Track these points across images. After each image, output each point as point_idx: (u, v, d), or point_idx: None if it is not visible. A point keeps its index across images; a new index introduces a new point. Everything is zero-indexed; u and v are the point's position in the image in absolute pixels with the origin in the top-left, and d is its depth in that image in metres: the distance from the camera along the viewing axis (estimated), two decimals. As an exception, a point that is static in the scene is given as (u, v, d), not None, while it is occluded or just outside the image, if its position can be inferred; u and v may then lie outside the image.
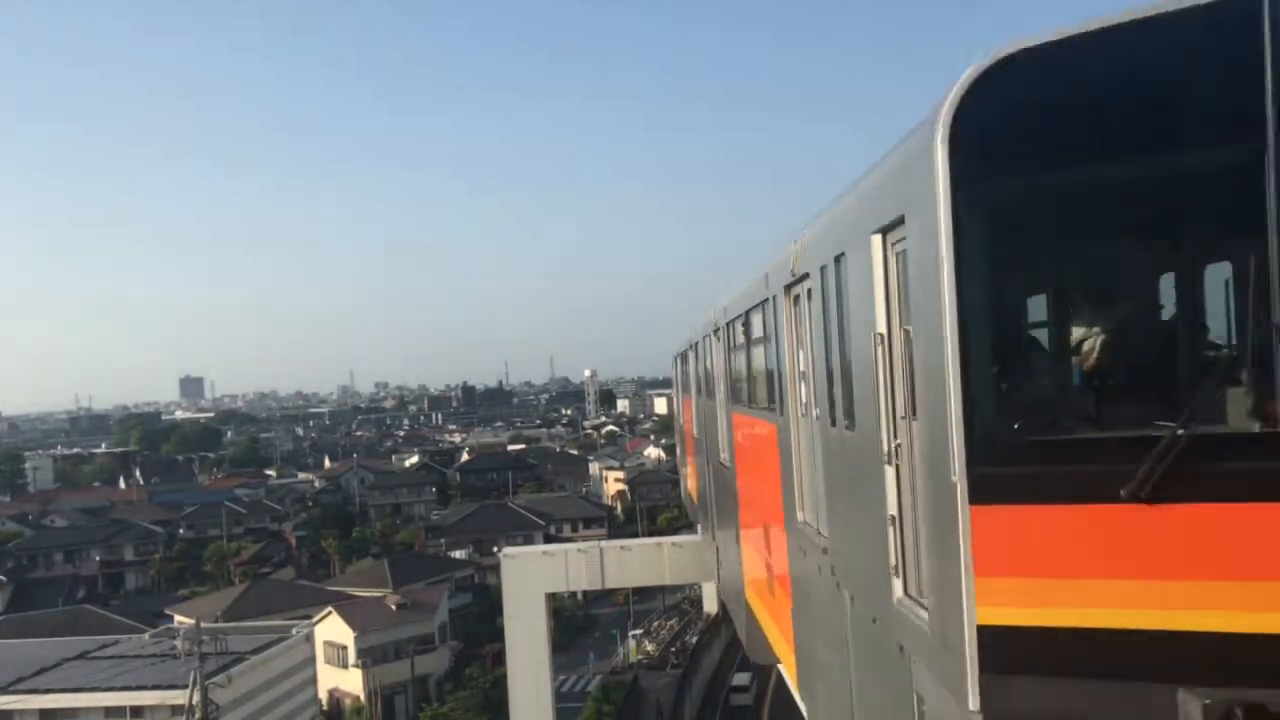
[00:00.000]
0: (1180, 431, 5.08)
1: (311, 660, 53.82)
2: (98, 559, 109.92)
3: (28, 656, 50.55)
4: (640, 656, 74.89)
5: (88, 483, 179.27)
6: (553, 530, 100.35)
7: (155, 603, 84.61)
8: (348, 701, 66.85)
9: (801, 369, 10.26)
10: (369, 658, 67.26)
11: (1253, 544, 5.03)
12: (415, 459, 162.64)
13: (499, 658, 58.99)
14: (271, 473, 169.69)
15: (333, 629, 67.76)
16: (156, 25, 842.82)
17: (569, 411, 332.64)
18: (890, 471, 7.05)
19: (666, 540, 43.25)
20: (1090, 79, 5.29)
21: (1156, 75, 5.22)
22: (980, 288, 5.50)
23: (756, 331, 13.07)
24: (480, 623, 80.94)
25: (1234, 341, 5.69)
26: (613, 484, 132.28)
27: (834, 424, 8.68)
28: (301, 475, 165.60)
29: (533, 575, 42.15)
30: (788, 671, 13.85)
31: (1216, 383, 5.33)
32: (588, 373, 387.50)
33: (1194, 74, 5.16)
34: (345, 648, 67.74)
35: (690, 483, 33.06)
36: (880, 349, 6.97)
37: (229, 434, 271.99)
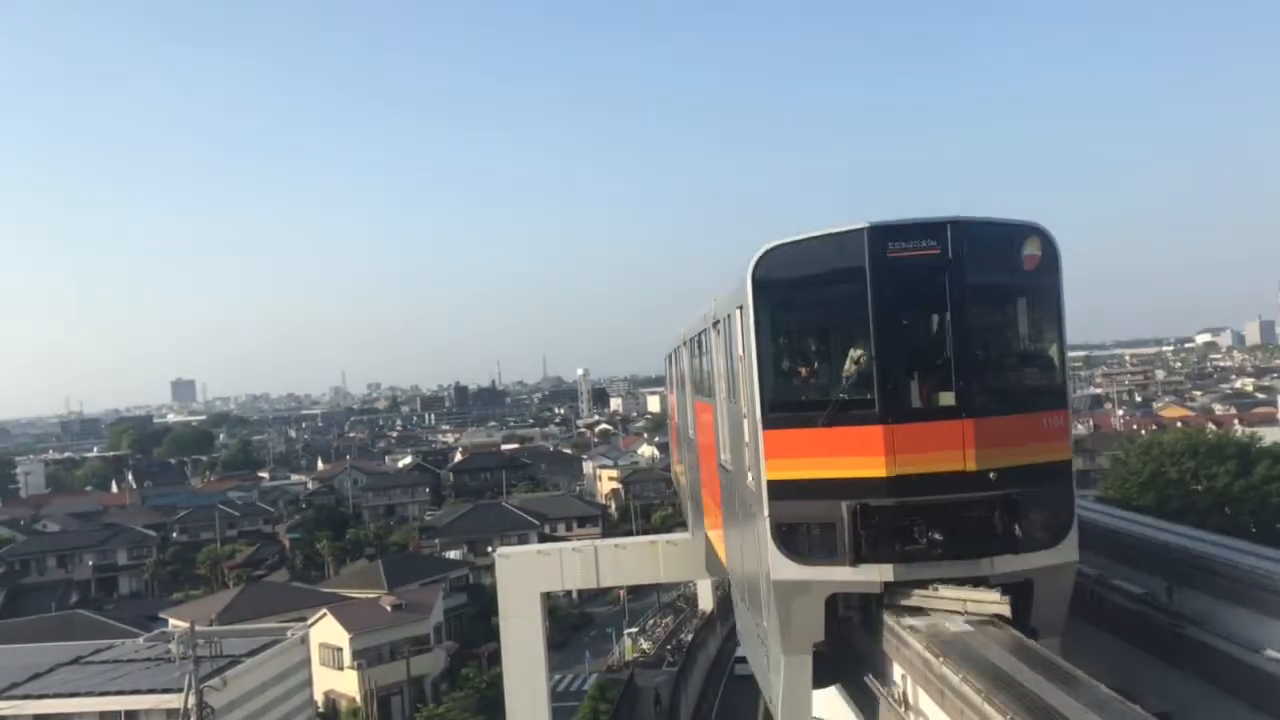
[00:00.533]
0: (835, 399, 12.88)
1: (307, 662, 53.67)
2: (90, 563, 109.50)
3: (20, 662, 50.31)
4: (636, 654, 74.84)
5: (80, 487, 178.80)
6: (547, 529, 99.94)
7: (149, 606, 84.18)
8: (343, 703, 66.70)
9: (720, 371, 17.36)
10: (364, 659, 67.11)
11: (859, 442, 12.54)
12: (408, 460, 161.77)
13: (495, 657, 58.89)
14: (264, 475, 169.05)
15: (328, 631, 67.61)
16: (153, 32, 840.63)
17: (562, 410, 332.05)
18: (746, 422, 14.25)
19: (661, 538, 43.27)
20: (797, 259, 12.90)
21: (820, 260, 12.84)
22: (765, 338, 13.57)
23: (703, 348, 19.79)
24: (476, 623, 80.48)
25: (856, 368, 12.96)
26: (607, 482, 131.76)
27: (731, 400, 16.10)
28: (295, 477, 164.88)
29: (528, 574, 42.08)
30: (723, 558, 19.72)
31: (846, 383, 12.77)
32: (580, 371, 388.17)
33: (836, 262, 12.65)
34: (340, 649, 67.58)
35: (678, 468, 40.80)
36: (741, 362, 14.40)
37: (221, 437, 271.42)
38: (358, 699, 66.02)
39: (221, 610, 66.85)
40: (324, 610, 69.12)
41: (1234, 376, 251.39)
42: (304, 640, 53.57)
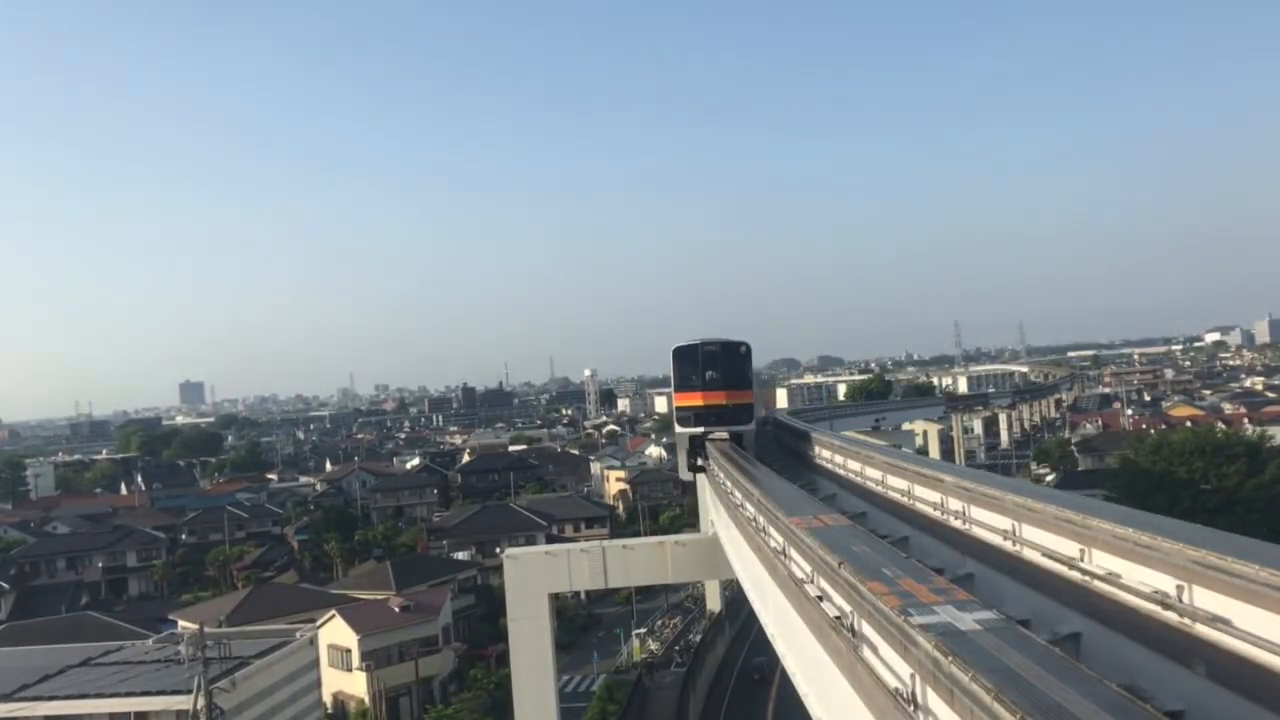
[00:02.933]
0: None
1: (315, 664, 53.67)
2: (100, 565, 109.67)
3: (32, 664, 50.39)
4: (644, 655, 74.70)
5: (89, 489, 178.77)
6: (555, 531, 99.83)
7: (158, 608, 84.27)
8: (352, 704, 66.75)
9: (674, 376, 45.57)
10: (373, 660, 67.11)
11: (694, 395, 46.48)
12: (416, 461, 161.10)
13: (503, 658, 59.16)
14: (273, 477, 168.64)
15: (336, 632, 67.61)
16: (156, 38, 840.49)
17: (569, 411, 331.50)
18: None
19: (669, 539, 45.05)
20: (689, 353, 44.35)
21: (695, 356, 44.33)
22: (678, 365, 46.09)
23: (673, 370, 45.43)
24: (484, 624, 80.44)
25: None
26: (614, 484, 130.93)
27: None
28: (303, 479, 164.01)
29: (536, 575, 43.33)
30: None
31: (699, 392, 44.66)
32: (588, 373, 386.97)
33: (699, 358, 44.44)
34: (349, 651, 67.59)
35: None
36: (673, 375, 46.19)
37: (230, 439, 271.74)
38: (366, 700, 66.04)
39: (230, 612, 66.95)
40: (332, 611, 69.15)
41: (1243, 375, 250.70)
42: (312, 641, 53.57)
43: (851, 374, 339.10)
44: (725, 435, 43.29)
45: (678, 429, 45.73)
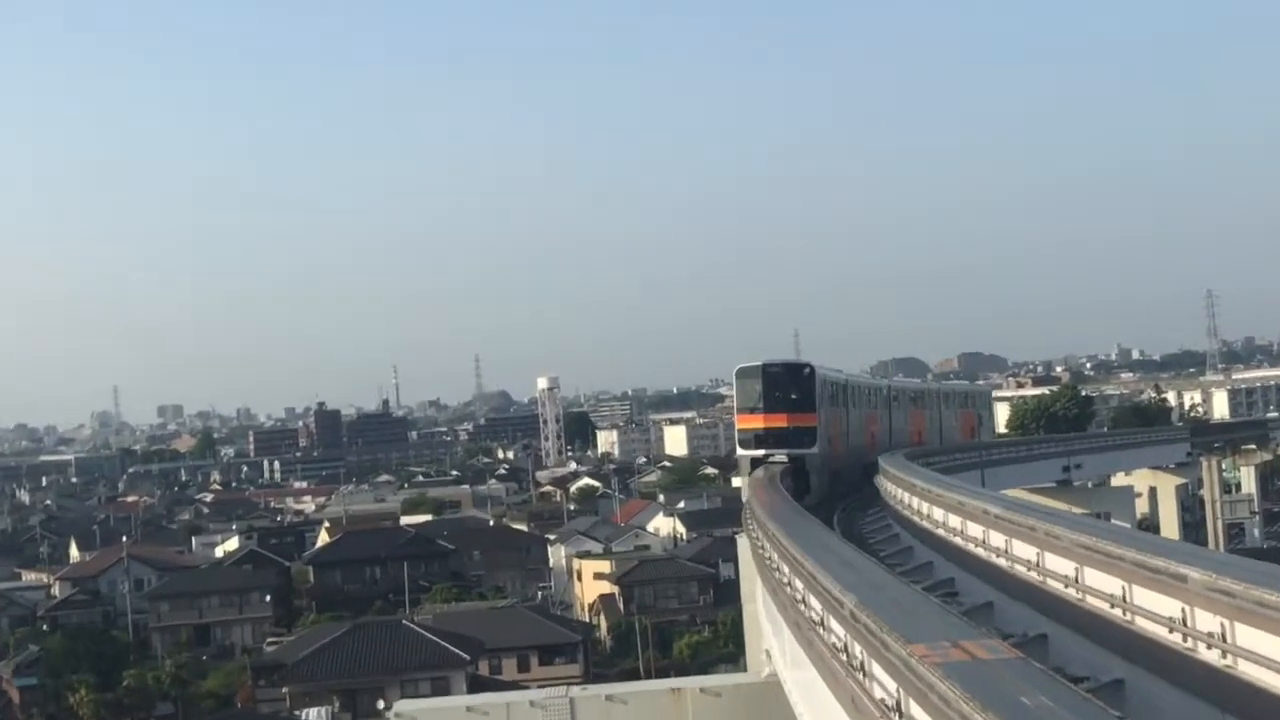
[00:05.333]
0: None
1: None
2: None
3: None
4: None
5: None
6: (486, 668, 79.56)
7: None
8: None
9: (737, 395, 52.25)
10: None
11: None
12: (234, 544, 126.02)
13: None
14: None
15: None
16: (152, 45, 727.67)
17: (511, 452, 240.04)
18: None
19: (690, 684, 38.36)
20: (751, 374, 48.59)
21: (757, 377, 48.04)
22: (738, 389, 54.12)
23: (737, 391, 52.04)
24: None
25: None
26: (591, 584, 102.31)
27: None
28: (28, 577, 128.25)
29: None
30: None
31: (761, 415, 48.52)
32: (543, 383, 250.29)
33: (761, 379, 48.10)
34: None
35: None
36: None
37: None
38: None
39: None
40: None
41: None
42: None
43: (1020, 383, 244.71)
44: (785, 458, 46.76)
45: (739, 451, 52.70)
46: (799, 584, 20.81)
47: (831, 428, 49.75)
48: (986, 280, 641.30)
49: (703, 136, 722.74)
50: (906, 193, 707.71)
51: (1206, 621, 13.22)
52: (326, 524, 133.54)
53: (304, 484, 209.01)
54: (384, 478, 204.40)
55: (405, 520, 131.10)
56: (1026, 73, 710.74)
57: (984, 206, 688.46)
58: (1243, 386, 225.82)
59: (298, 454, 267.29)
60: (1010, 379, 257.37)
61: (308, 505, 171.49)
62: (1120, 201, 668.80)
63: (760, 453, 47.00)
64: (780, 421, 46.48)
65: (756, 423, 47.19)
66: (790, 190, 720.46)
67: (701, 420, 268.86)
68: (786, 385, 47.03)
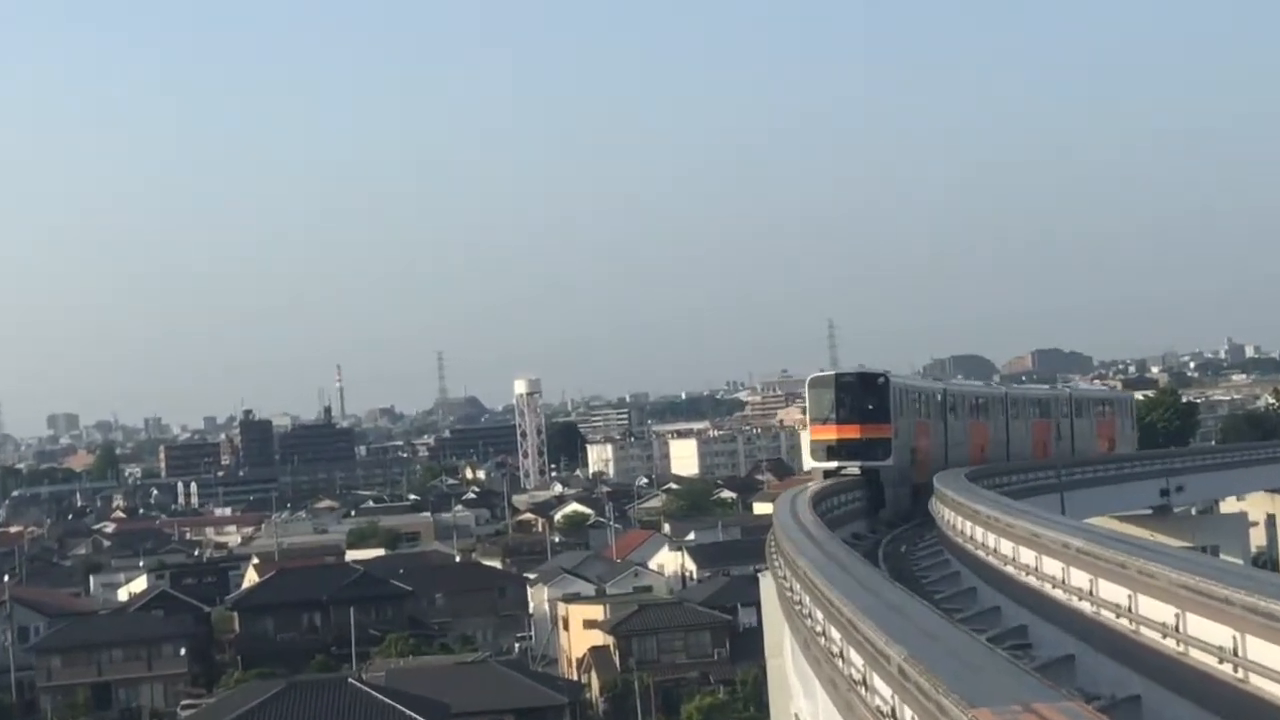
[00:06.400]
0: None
1: None
2: None
3: None
4: None
5: None
6: None
7: None
8: None
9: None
10: None
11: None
12: (142, 583, 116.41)
13: None
14: None
15: None
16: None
17: (481, 472, 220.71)
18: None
19: None
20: (824, 384, 50.61)
21: (829, 387, 49.89)
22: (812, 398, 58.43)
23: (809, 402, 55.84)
24: None
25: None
26: (581, 633, 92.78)
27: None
28: None
29: None
30: None
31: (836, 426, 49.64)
32: (521, 387, 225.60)
33: (833, 389, 49.74)
34: None
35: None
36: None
37: None
38: None
39: None
40: None
41: None
42: None
43: (1110, 384, 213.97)
44: (857, 470, 47.03)
45: (811, 463, 53.35)
46: (835, 633, 19.35)
47: (917, 439, 51.28)
48: (1065, 264, 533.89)
49: (712, 107, 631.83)
50: (957, 160, 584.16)
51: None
52: (255, 560, 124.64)
53: (227, 511, 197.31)
54: (326, 503, 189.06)
55: (352, 556, 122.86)
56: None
57: (1061, 176, 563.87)
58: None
59: (220, 474, 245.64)
60: (1095, 381, 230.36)
61: (232, 537, 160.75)
62: (1234, 170, 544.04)
63: (833, 465, 48.41)
64: (853, 433, 47.51)
65: (829, 434, 48.40)
66: (819, 159, 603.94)
67: (716, 433, 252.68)
68: (860, 395, 48.18)
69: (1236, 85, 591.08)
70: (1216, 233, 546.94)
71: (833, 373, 51.79)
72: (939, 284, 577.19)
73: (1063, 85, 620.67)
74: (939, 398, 55.25)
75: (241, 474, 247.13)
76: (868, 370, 51.88)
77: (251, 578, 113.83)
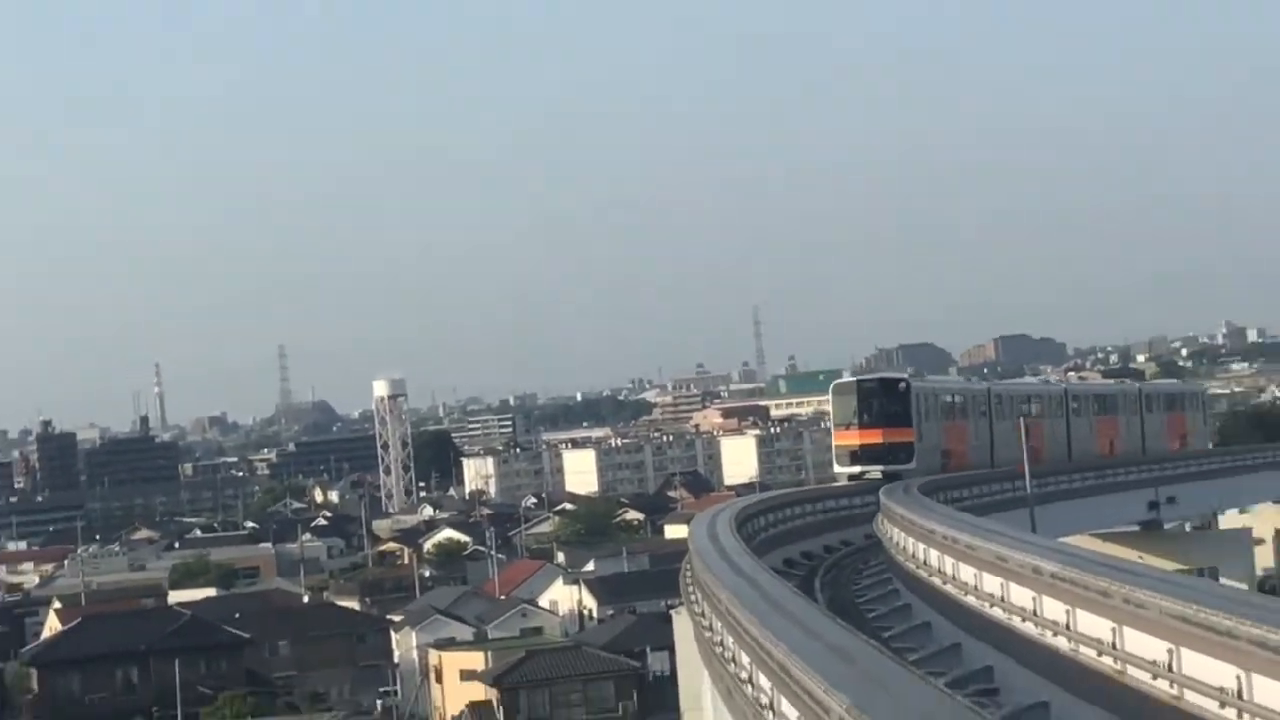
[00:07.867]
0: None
1: None
2: None
3: None
4: None
5: None
6: None
7: None
8: None
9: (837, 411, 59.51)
10: None
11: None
12: None
13: None
14: None
15: None
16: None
17: (334, 493, 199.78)
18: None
19: None
20: (847, 390, 55.02)
21: (852, 393, 53.74)
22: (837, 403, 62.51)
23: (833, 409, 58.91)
24: None
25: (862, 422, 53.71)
26: (457, 686, 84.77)
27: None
28: None
29: None
30: None
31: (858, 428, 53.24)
32: (381, 389, 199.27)
33: (856, 395, 53.38)
34: None
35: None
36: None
37: None
38: None
39: None
40: None
41: None
42: None
43: (1085, 378, 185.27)
44: (879, 474, 48.39)
45: (836, 468, 54.09)
46: (765, 680, 17.28)
47: (949, 441, 53.45)
48: (1030, 242, 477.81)
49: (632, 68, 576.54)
50: (893, 126, 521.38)
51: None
52: (57, 604, 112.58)
53: (22, 544, 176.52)
54: (143, 533, 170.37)
55: (176, 597, 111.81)
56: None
57: (1024, 145, 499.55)
58: None
59: (12, 499, 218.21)
60: (1069, 373, 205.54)
61: (28, 576, 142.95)
62: (1232, 137, 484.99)
63: (857, 469, 50.94)
64: (875, 437, 50.02)
65: (852, 439, 51.09)
66: (745, 125, 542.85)
67: (619, 441, 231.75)
68: (882, 400, 50.90)
69: (1218, 52, 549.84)
70: (1211, 202, 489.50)
71: (855, 379, 58.08)
72: (882, 266, 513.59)
73: (1024, 52, 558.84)
74: (979, 398, 57.63)
75: (39, 499, 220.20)
76: (889, 375, 58.97)
77: (53, 625, 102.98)
